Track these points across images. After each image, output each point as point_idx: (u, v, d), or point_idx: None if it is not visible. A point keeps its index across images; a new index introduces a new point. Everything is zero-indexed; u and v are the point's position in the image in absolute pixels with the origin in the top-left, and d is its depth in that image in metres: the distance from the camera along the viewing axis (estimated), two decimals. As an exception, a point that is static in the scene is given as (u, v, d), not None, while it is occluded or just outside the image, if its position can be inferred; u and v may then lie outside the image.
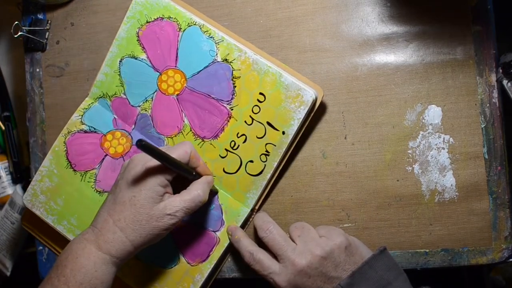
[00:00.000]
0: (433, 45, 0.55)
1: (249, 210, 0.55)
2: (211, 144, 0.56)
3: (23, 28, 0.61)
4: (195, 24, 0.55)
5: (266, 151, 0.54)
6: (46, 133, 0.62)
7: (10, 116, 0.76)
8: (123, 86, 0.58)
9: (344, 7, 0.57)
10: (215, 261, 0.55)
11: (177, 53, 0.56)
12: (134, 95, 0.58)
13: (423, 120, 0.55)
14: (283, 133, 0.53)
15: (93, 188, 0.58)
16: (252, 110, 0.54)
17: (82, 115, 0.59)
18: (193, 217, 0.55)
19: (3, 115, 0.76)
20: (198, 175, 0.51)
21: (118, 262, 0.47)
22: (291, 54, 0.57)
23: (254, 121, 0.54)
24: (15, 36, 0.61)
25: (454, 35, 0.55)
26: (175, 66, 0.56)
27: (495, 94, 0.54)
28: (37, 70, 0.63)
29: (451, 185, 0.55)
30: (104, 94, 0.58)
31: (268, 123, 0.54)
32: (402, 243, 0.55)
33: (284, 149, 0.53)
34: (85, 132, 0.59)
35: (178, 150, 0.48)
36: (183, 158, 0.48)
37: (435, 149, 0.55)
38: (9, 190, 0.75)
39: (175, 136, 0.57)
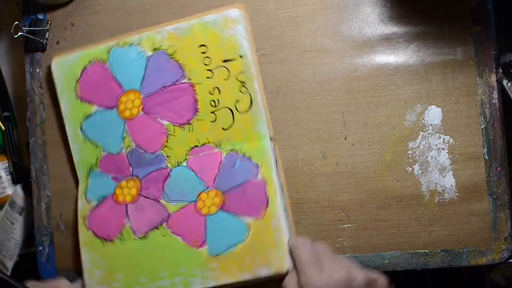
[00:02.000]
0: (433, 45, 0.55)
1: (268, 138, 0.54)
2: (197, 120, 0.56)
3: (23, 28, 0.61)
4: (112, 48, 0.57)
5: (241, 82, 0.54)
6: (46, 133, 0.62)
7: (10, 116, 0.76)
8: (98, 147, 0.58)
9: (344, 8, 0.57)
10: (277, 198, 0.53)
11: (116, 80, 0.57)
12: (111, 143, 0.58)
13: (423, 121, 0.55)
14: (241, 56, 0.54)
15: (134, 239, 0.56)
16: (204, 64, 0.55)
17: (85, 197, 0.58)
18: (226, 181, 0.55)
19: (3, 115, 0.76)
20: None
21: None
22: (291, 55, 0.57)
23: (212, 70, 0.55)
24: (15, 36, 0.61)
25: (454, 36, 0.55)
26: (123, 91, 0.57)
27: (495, 94, 0.54)
28: (37, 70, 0.63)
29: (451, 185, 0.55)
30: (90, 168, 0.58)
31: (224, 61, 0.55)
32: (402, 244, 0.55)
33: (251, 67, 0.54)
34: (97, 206, 0.58)
35: None
36: None
37: (435, 150, 0.55)
38: (9, 190, 0.75)
39: (166, 143, 0.56)
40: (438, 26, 0.55)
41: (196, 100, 0.55)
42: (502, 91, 0.54)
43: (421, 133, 0.55)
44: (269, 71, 0.57)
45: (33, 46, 0.62)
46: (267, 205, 0.53)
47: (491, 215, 0.54)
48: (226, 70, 0.55)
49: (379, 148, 0.56)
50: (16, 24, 0.60)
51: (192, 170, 0.56)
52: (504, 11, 0.62)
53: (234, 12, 0.54)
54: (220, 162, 0.55)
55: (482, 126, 0.55)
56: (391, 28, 0.56)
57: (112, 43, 0.57)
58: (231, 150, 0.55)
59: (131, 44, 0.57)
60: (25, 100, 0.63)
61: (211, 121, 0.55)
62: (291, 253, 0.51)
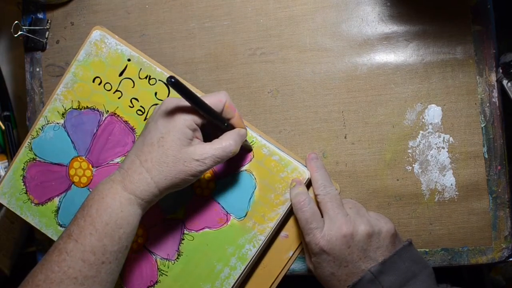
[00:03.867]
0: (433, 44, 0.55)
1: None
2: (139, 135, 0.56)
3: (23, 27, 0.61)
4: (31, 142, 0.58)
5: (145, 78, 0.57)
6: (46, 132, 0.62)
7: (10, 116, 0.76)
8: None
9: (344, 7, 0.57)
10: (249, 133, 0.54)
11: (55, 164, 0.58)
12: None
13: (423, 120, 0.55)
14: (129, 60, 0.57)
15: (173, 264, 0.56)
16: (108, 90, 0.57)
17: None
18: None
19: (3, 115, 0.76)
20: (231, 127, 0.49)
21: (143, 204, 0.47)
22: (291, 54, 0.57)
23: (118, 89, 0.57)
24: (15, 35, 0.61)
25: (454, 35, 0.55)
26: (66, 166, 0.58)
27: (495, 93, 0.54)
28: (37, 69, 0.63)
29: (451, 184, 0.55)
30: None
31: (120, 74, 0.57)
32: (402, 243, 0.55)
33: (143, 60, 0.57)
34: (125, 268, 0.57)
35: (211, 98, 0.47)
36: (216, 106, 0.47)
37: (435, 149, 0.55)
38: (9, 190, 0.75)
39: None
40: (438, 25, 0.55)
41: (126, 122, 0.57)
42: (502, 91, 0.54)
43: (421, 132, 0.55)
44: (269, 70, 0.58)
45: (33, 45, 0.62)
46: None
47: (491, 214, 0.54)
48: (127, 79, 0.57)
49: (379, 147, 0.56)
50: (16, 23, 0.61)
51: None
52: (504, 10, 0.62)
53: (96, 34, 0.57)
54: None
55: (482, 125, 0.55)
56: (391, 27, 0.56)
57: (28, 140, 0.58)
58: None
59: (43, 126, 0.58)
60: (25, 100, 0.63)
61: None
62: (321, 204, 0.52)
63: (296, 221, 0.53)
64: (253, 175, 0.54)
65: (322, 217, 0.51)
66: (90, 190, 0.57)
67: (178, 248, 0.55)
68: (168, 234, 0.55)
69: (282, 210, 0.53)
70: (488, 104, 0.54)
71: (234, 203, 0.54)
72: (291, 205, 0.52)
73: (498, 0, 0.57)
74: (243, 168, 0.54)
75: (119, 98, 0.57)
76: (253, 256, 0.53)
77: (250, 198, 0.54)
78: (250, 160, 0.54)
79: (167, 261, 0.55)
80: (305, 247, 0.53)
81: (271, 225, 0.53)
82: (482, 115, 0.55)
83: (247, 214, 0.54)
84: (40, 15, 0.63)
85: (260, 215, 0.53)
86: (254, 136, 0.54)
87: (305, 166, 0.54)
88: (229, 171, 0.54)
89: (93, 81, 0.57)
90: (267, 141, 0.54)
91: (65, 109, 0.58)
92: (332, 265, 0.49)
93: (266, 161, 0.54)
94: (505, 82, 0.54)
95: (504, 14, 0.60)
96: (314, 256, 0.50)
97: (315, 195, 0.52)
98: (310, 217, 0.50)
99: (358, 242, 0.48)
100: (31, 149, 0.58)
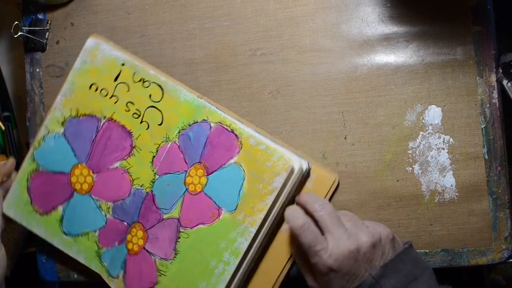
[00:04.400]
0: (433, 45, 0.55)
1: (196, 98, 0.56)
2: (137, 139, 0.57)
3: (23, 28, 0.61)
4: (34, 153, 0.59)
5: (139, 81, 0.57)
6: (46, 133, 0.62)
7: (10, 116, 0.76)
8: (89, 233, 0.58)
9: (344, 8, 0.57)
10: (237, 125, 0.55)
11: (58, 173, 0.58)
12: (96, 221, 0.58)
13: (423, 121, 0.55)
14: (123, 64, 0.57)
15: (171, 263, 0.56)
16: (105, 96, 0.58)
17: (112, 277, 0.58)
18: (195, 154, 0.55)
19: (3, 115, 0.76)
20: None
21: None
22: (292, 54, 0.57)
23: (114, 95, 0.58)
24: (15, 36, 0.61)
25: (454, 35, 0.55)
26: (68, 173, 0.58)
27: (495, 94, 0.54)
28: (37, 70, 0.63)
29: (451, 185, 0.55)
30: (97, 255, 0.58)
31: (115, 79, 0.57)
32: (402, 244, 0.55)
33: (136, 64, 0.57)
34: (125, 272, 0.57)
35: None
36: None
37: (435, 150, 0.55)
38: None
39: (131, 177, 0.57)
40: (438, 26, 0.55)
41: (123, 126, 0.57)
42: (502, 91, 0.54)
43: (421, 132, 0.55)
44: (269, 71, 0.58)
45: (33, 46, 0.62)
46: (236, 136, 0.54)
47: (491, 215, 0.54)
48: (122, 84, 0.57)
49: (379, 148, 0.56)
50: (16, 24, 0.61)
51: (165, 174, 0.56)
52: (504, 11, 0.62)
53: (91, 41, 0.58)
54: (179, 148, 0.56)
55: (482, 126, 0.55)
56: (391, 28, 0.56)
57: (30, 151, 0.59)
58: (178, 132, 0.56)
59: (44, 136, 0.58)
60: (25, 100, 0.63)
61: (146, 129, 0.57)
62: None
63: None
64: (241, 166, 0.54)
65: (322, 234, 0.49)
66: (92, 196, 0.57)
67: (175, 247, 0.55)
68: (165, 234, 0.55)
69: (270, 200, 0.52)
70: (488, 105, 0.54)
71: (224, 197, 0.54)
72: (278, 195, 0.52)
73: (498, 1, 0.57)
74: (232, 160, 0.54)
75: (115, 103, 0.57)
76: (246, 250, 0.53)
77: (240, 190, 0.54)
78: (238, 152, 0.54)
79: (165, 261, 0.55)
80: (304, 269, 0.52)
81: (261, 216, 0.53)
82: (482, 116, 0.55)
83: (237, 207, 0.53)
84: (40, 16, 0.63)
85: (249, 207, 0.53)
86: (241, 128, 0.54)
87: (295, 154, 0.53)
88: (219, 164, 0.55)
89: (90, 88, 0.58)
90: (255, 131, 0.54)
91: (64, 118, 0.58)
92: (341, 280, 0.48)
93: (253, 151, 0.54)
94: (505, 82, 0.54)
95: (504, 15, 0.60)
96: (322, 276, 0.49)
97: (312, 212, 0.50)
98: (313, 240, 0.48)
99: (364, 254, 0.47)
100: (34, 159, 0.59)
